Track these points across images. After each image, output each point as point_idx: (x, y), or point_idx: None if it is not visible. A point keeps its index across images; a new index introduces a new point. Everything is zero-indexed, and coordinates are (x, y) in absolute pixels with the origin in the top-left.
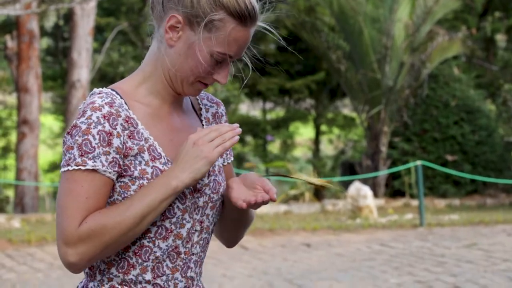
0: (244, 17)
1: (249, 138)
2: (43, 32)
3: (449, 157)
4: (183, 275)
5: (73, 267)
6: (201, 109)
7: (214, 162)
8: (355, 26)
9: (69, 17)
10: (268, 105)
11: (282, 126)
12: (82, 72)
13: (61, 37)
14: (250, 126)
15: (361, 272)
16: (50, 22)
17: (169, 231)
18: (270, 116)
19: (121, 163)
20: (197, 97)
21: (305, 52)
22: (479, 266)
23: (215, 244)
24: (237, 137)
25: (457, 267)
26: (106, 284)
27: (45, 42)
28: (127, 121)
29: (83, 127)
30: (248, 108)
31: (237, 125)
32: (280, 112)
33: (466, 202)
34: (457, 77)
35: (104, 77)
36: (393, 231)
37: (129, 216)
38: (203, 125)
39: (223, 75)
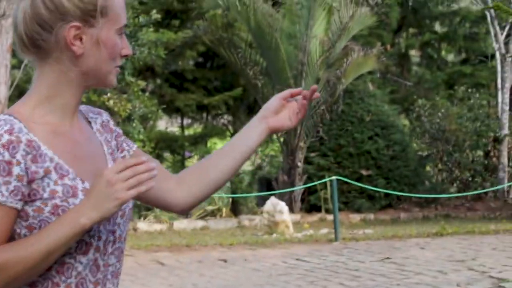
0: None
1: (167, 154)
2: None
3: (364, 172)
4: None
5: None
6: (90, 122)
7: (126, 203)
8: (272, 42)
9: None
10: (186, 121)
11: (200, 142)
12: (1, 89)
13: None
14: (168, 142)
15: (277, 287)
16: None
17: (89, 244)
18: (188, 132)
19: (23, 190)
20: (83, 112)
21: (223, 68)
22: (392, 279)
23: (131, 260)
24: (153, 183)
25: (371, 280)
26: None
27: None
28: (28, 146)
29: None
30: (166, 124)
31: (153, 165)
32: (198, 128)
33: (380, 217)
34: (372, 92)
35: (22, 94)
36: (308, 246)
37: (33, 252)
38: (97, 136)
39: (127, 47)
